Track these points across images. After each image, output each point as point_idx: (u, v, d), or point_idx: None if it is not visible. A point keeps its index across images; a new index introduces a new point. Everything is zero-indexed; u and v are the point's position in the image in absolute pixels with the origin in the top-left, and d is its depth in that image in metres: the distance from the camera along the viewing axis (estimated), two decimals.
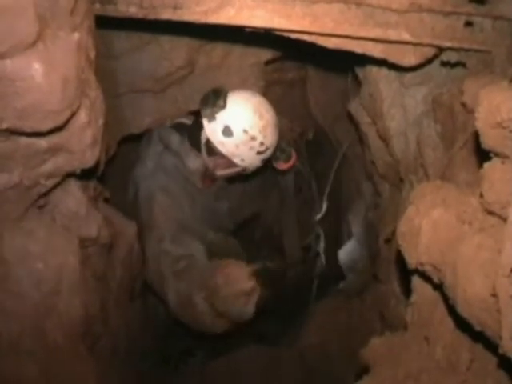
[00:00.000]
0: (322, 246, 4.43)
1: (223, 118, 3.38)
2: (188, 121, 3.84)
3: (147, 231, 3.58)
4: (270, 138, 3.49)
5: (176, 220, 3.65)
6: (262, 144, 3.45)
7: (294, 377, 3.99)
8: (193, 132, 3.65)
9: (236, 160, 3.49)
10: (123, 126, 3.74)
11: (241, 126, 3.37)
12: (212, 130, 3.42)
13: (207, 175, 3.75)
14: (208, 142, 3.48)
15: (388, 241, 3.26)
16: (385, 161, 3.35)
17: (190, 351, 4.28)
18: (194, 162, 3.67)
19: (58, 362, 2.26)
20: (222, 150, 3.43)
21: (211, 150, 3.51)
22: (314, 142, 4.94)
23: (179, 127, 3.80)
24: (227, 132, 3.36)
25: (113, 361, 2.88)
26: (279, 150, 3.90)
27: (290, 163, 4.03)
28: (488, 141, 1.64)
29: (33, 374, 2.13)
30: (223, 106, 3.37)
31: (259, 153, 3.50)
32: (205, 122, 3.43)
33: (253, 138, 3.39)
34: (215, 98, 3.39)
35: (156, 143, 3.83)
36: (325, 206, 4.20)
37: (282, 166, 4.01)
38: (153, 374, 3.71)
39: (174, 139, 3.72)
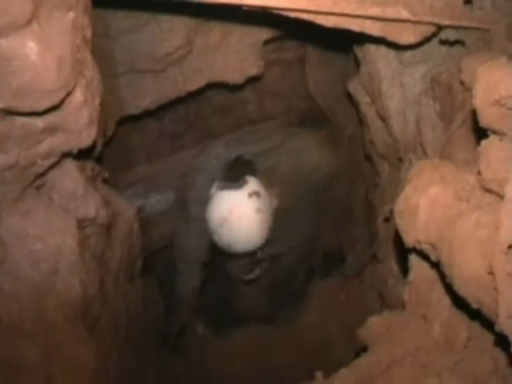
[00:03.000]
0: None
1: None
2: None
3: None
4: None
5: None
6: None
7: (294, 356, 4.01)
8: None
9: None
10: (122, 107, 3.74)
11: None
12: None
13: None
14: None
15: (387, 220, 3.26)
16: (384, 140, 3.33)
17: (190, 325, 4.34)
18: None
19: (58, 342, 2.26)
20: None
21: None
22: (312, 126, 4.93)
23: None
24: None
25: (113, 341, 2.89)
26: None
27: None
28: (486, 118, 1.63)
29: (33, 355, 2.13)
30: None
31: None
32: None
33: None
34: None
35: None
36: None
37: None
38: (153, 354, 3.73)
39: None
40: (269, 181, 3.69)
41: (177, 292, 4.18)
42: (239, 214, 3.37)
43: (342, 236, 4.65)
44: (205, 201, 3.58)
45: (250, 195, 3.39)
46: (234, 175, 3.47)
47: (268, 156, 3.86)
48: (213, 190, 3.52)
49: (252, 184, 3.46)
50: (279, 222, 3.76)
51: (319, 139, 4.23)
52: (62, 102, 1.90)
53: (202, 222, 3.59)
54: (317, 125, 4.78)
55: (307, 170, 4.00)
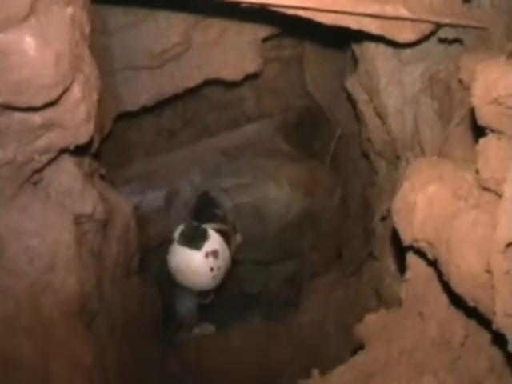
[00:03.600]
0: None
1: None
2: None
3: None
4: None
5: None
6: None
7: (291, 353, 4.01)
8: None
9: None
10: (119, 103, 3.73)
11: None
12: None
13: None
14: None
15: (384, 219, 3.26)
16: (381, 138, 3.33)
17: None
18: None
19: (55, 338, 2.25)
20: None
21: None
22: (309, 124, 4.94)
23: None
24: None
25: (110, 337, 2.89)
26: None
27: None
28: (484, 117, 1.63)
29: (29, 351, 2.13)
30: None
31: None
32: None
33: None
34: None
35: None
36: None
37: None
38: (150, 350, 3.72)
39: None
40: (235, 218, 3.96)
41: (175, 310, 4.26)
42: (194, 269, 3.57)
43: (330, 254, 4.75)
44: (181, 220, 3.82)
45: (206, 255, 3.56)
46: (195, 232, 3.64)
47: (238, 194, 4.12)
48: (176, 233, 3.68)
49: (212, 242, 3.62)
50: (248, 245, 4.08)
51: (295, 177, 4.41)
52: (60, 97, 1.90)
53: None
54: (313, 127, 4.83)
55: (274, 214, 4.27)
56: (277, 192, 4.22)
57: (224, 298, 4.36)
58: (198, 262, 3.54)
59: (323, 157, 4.76)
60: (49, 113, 1.94)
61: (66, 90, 1.90)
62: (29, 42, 1.68)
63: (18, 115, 1.90)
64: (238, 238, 3.95)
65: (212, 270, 3.57)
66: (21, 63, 1.70)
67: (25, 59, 1.70)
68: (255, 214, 4.08)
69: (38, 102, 1.83)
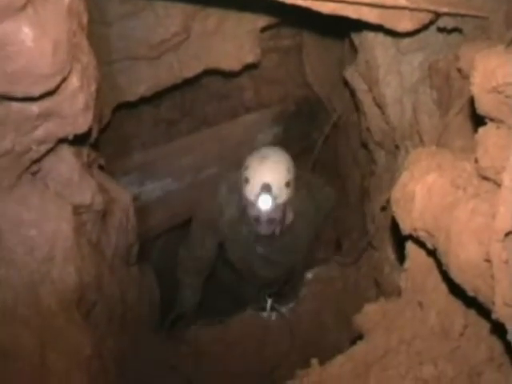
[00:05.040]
0: None
1: None
2: None
3: None
4: None
5: None
6: None
7: (290, 344, 4.01)
8: None
9: None
10: (118, 94, 3.73)
11: None
12: None
13: None
14: None
15: (383, 209, 3.26)
16: (381, 128, 3.33)
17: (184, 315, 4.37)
18: None
19: (53, 329, 2.25)
20: None
21: None
22: (308, 114, 4.94)
23: None
24: None
25: (108, 328, 2.89)
26: None
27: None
28: (483, 106, 1.63)
29: (28, 342, 2.13)
30: None
31: None
32: None
33: None
34: None
35: None
36: None
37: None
38: (149, 341, 3.73)
39: None
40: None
41: (178, 301, 4.25)
42: (276, 160, 3.39)
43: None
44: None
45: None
46: None
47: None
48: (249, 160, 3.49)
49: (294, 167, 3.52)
50: (283, 248, 3.92)
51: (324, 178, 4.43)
52: (58, 87, 1.89)
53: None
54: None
55: (320, 201, 4.12)
56: (319, 183, 4.23)
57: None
58: (280, 153, 3.47)
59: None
60: (46, 102, 1.94)
61: (63, 80, 1.90)
62: (26, 32, 1.67)
63: (15, 105, 1.89)
64: (291, 215, 3.86)
65: (289, 171, 3.44)
66: (18, 53, 1.69)
67: (22, 49, 1.69)
68: (304, 204, 4.02)
69: (36, 92, 1.82)
